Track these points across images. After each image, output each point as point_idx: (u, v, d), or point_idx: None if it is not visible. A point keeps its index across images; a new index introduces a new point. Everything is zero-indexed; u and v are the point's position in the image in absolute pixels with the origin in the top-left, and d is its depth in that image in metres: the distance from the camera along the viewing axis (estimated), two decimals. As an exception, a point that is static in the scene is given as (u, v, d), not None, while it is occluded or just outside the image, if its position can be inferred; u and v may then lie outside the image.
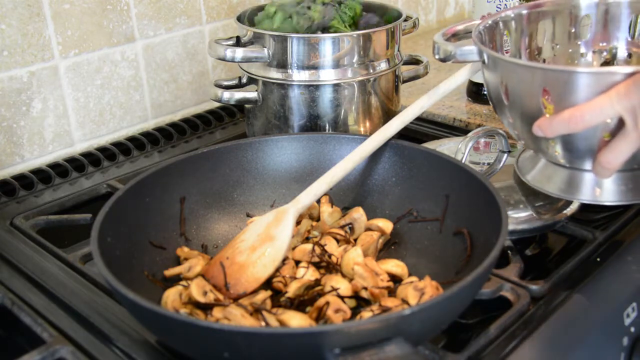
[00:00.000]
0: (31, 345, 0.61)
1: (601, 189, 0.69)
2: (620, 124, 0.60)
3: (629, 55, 0.79)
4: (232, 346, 0.51)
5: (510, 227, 0.73)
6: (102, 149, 1.00)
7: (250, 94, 0.90)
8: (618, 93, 0.58)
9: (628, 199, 0.68)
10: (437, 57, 0.76)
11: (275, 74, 0.87)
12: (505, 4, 1.04)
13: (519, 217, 0.74)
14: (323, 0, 0.90)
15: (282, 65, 0.87)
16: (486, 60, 0.70)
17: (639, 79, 0.58)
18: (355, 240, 0.73)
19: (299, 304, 0.63)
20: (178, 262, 0.70)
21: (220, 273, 0.66)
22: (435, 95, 0.77)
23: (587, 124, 0.60)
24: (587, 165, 0.67)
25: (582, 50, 0.80)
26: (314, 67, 0.86)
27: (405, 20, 0.95)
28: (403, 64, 0.96)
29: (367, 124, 0.91)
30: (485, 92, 1.10)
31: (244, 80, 0.93)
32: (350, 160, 0.73)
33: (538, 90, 0.63)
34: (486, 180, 0.67)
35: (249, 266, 0.66)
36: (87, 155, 0.99)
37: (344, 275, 0.67)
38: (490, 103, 0.74)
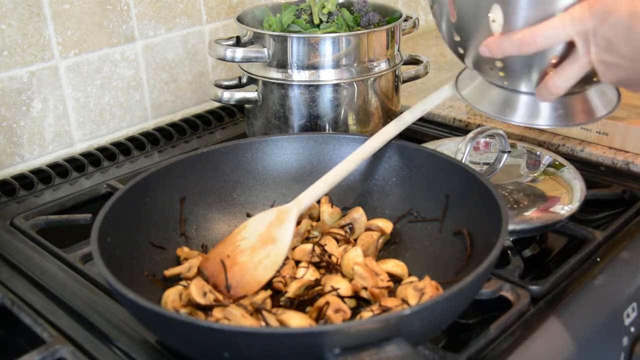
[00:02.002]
0: (31, 345, 0.61)
1: (537, 111, 0.67)
2: (571, 48, 0.59)
3: None
4: (232, 346, 0.51)
5: (510, 227, 0.73)
6: (102, 149, 1.00)
7: (250, 94, 0.90)
8: (572, 16, 0.57)
9: (561, 123, 0.67)
10: None
11: (275, 74, 0.87)
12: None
13: (519, 217, 0.74)
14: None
15: (282, 65, 0.87)
16: None
17: (594, 2, 0.56)
18: (355, 240, 0.73)
19: (299, 304, 0.63)
20: (178, 262, 0.70)
21: (221, 272, 0.66)
22: (439, 97, 0.76)
23: (538, 46, 0.59)
24: (525, 87, 0.66)
25: None
26: (314, 67, 0.86)
27: (405, 20, 0.95)
28: (403, 64, 0.96)
29: (367, 124, 0.91)
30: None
31: (244, 80, 0.93)
32: (351, 161, 0.73)
33: (488, 6, 0.61)
34: (486, 180, 0.67)
35: (251, 268, 0.66)
36: (87, 155, 0.99)
37: (344, 275, 0.67)
38: (434, 21, 0.71)
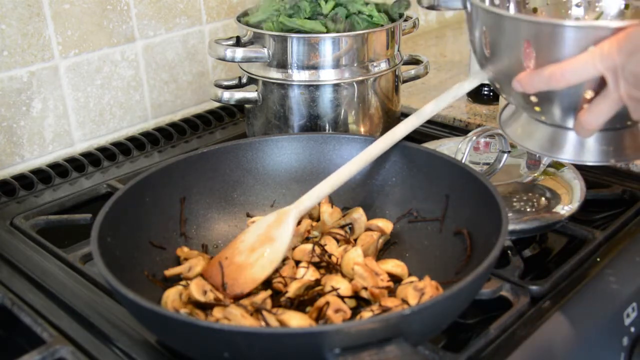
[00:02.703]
0: (31, 345, 0.61)
1: (584, 148, 0.66)
2: (602, 83, 0.58)
3: (626, 7, 0.75)
4: (232, 346, 0.51)
5: (510, 227, 0.73)
6: (102, 149, 1.00)
7: (250, 94, 0.90)
8: (601, 51, 0.56)
9: (609, 159, 0.66)
10: (422, 5, 0.74)
11: (275, 74, 0.87)
12: (505, 4, 1.04)
13: (519, 217, 0.74)
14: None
15: (282, 65, 0.87)
16: (469, 9, 0.67)
17: (623, 38, 0.55)
18: (355, 240, 0.73)
19: (299, 304, 0.63)
20: (178, 262, 0.70)
21: (219, 273, 0.67)
22: (447, 99, 0.75)
23: (567, 82, 0.58)
24: (569, 123, 0.65)
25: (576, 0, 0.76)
26: (314, 67, 0.86)
27: (405, 20, 0.95)
28: (403, 64, 0.96)
29: (367, 124, 0.91)
30: (485, 92, 1.10)
31: (244, 80, 0.93)
32: (354, 164, 0.73)
33: (520, 42, 0.60)
34: (486, 180, 0.67)
35: (247, 267, 0.66)
36: (87, 155, 0.99)
37: (344, 275, 0.67)
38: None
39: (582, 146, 0.66)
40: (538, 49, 0.60)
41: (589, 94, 0.60)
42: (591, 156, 0.66)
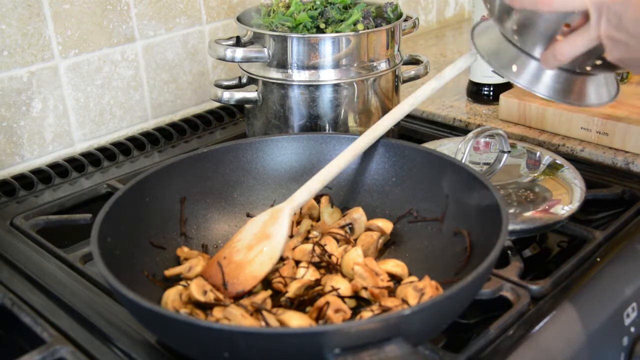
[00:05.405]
0: (31, 345, 0.61)
1: (539, 80, 0.70)
2: (584, 18, 0.61)
3: None
4: (232, 346, 0.51)
5: (510, 227, 0.73)
6: (102, 149, 1.00)
7: (250, 94, 0.90)
8: None
9: (557, 97, 0.70)
10: None
11: (275, 74, 0.87)
12: (505, 4, 1.04)
13: (519, 217, 0.74)
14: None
15: (282, 65, 0.87)
16: None
17: None
18: (355, 240, 0.73)
19: (299, 304, 0.63)
20: (178, 262, 0.70)
21: (218, 272, 0.67)
22: (424, 93, 0.78)
23: (553, 8, 0.61)
24: (536, 51, 0.68)
25: None
26: (314, 67, 0.86)
27: (405, 20, 0.95)
28: (403, 64, 0.96)
29: (367, 124, 0.91)
30: (485, 92, 1.10)
31: (244, 80, 0.93)
32: (343, 158, 0.74)
33: None
34: (486, 180, 0.67)
35: (247, 264, 0.66)
36: (87, 155, 0.99)
37: (344, 275, 0.67)
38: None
39: (537, 77, 0.70)
40: None
41: (566, 27, 0.63)
42: (543, 89, 0.70)
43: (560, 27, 0.63)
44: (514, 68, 0.70)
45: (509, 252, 0.72)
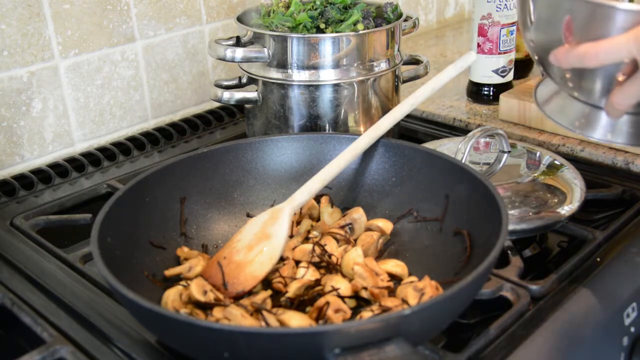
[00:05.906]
0: (31, 345, 0.61)
1: (614, 129, 0.68)
2: (635, 67, 0.59)
3: None
4: (232, 346, 0.51)
5: (510, 227, 0.73)
6: (102, 149, 1.00)
7: (250, 94, 0.90)
8: (636, 35, 0.57)
9: (635, 142, 0.68)
10: None
11: (275, 74, 0.87)
12: (506, 4, 1.04)
13: (519, 217, 0.74)
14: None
15: (282, 65, 0.87)
16: None
17: None
18: (355, 240, 0.73)
19: (299, 304, 0.63)
20: (178, 262, 0.70)
21: (219, 273, 0.67)
22: (424, 93, 0.77)
23: (600, 61, 0.60)
24: (601, 102, 0.66)
25: None
26: (314, 67, 0.86)
27: (405, 20, 0.95)
28: (403, 64, 0.96)
29: (367, 124, 0.91)
30: (485, 92, 1.10)
31: (244, 80, 0.93)
32: (343, 158, 0.74)
33: (562, 17, 0.61)
34: (486, 180, 0.67)
35: (247, 264, 0.66)
36: (87, 155, 0.99)
37: (344, 275, 0.67)
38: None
39: (612, 127, 0.67)
40: (577, 26, 0.61)
41: (621, 76, 0.61)
42: (620, 138, 0.68)
43: (614, 78, 0.62)
44: (586, 125, 0.68)
45: (509, 252, 0.72)
